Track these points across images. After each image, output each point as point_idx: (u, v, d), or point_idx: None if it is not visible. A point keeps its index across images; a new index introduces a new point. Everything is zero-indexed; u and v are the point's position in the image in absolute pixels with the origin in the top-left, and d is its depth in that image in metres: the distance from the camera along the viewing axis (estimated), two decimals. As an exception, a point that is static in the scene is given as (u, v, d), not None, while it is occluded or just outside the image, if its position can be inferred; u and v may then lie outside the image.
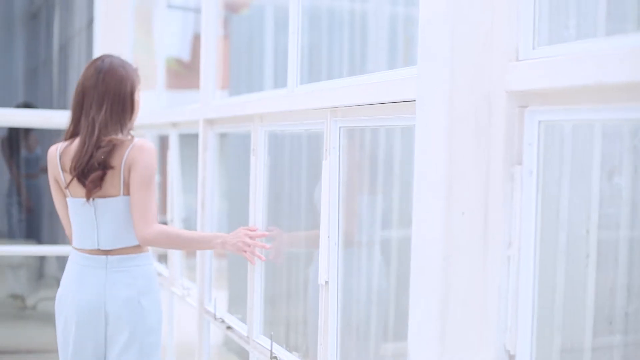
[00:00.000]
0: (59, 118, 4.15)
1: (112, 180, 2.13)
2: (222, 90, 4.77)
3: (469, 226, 1.20)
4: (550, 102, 1.10)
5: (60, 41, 5.10)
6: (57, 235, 5.04)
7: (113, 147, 2.11)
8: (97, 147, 2.11)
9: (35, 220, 5.51)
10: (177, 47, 8.36)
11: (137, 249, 2.19)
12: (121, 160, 2.11)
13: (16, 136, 5.27)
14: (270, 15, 4.74)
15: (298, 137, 3.98)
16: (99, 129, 2.12)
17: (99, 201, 2.15)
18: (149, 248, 2.27)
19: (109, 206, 2.15)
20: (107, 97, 2.15)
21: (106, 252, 2.17)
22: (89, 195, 2.14)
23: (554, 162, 2.05)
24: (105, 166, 2.11)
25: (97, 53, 3.85)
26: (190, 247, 2.27)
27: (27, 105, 5.35)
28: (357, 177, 3.04)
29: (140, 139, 2.16)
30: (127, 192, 2.13)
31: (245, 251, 2.10)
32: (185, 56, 8.47)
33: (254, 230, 2.14)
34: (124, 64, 2.23)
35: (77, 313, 2.17)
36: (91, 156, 2.11)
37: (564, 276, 2.05)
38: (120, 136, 2.13)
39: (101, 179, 2.12)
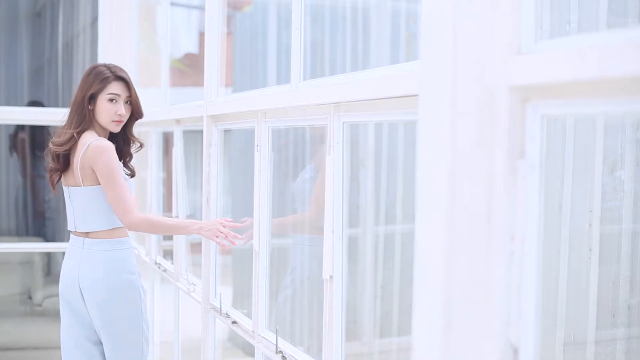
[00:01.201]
0: (64, 115, 4.17)
1: (73, 173, 2.46)
2: (225, 88, 4.78)
3: (472, 220, 1.21)
4: (553, 96, 1.11)
5: (64, 39, 5.11)
6: (64, 233, 5.06)
7: (61, 144, 2.44)
8: (54, 144, 2.47)
9: (42, 218, 5.51)
10: (185, 44, 8.37)
11: (110, 233, 2.48)
12: (78, 157, 2.41)
13: (30, 135, 5.24)
14: (273, 12, 4.74)
15: (302, 132, 3.99)
16: (59, 129, 2.51)
17: (71, 189, 2.49)
18: (128, 234, 2.54)
19: (77, 194, 2.47)
20: (71, 103, 2.54)
21: (85, 234, 2.49)
22: (50, 182, 2.53)
23: (557, 156, 2.06)
24: (53, 159, 2.48)
25: (101, 50, 3.85)
26: (170, 232, 2.58)
27: (35, 104, 5.33)
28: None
29: (97, 139, 2.42)
30: (88, 184, 2.43)
31: (217, 236, 2.35)
32: (194, 50, 8.48)
33: (229, 222, 2.40)
34: (88, 72, 2.52)
35: (60, 286, 2.55)
36: (48, 150, 2.49)
37: (567, 269, 2.06)
38: (67, 134, 2.44)
39: (53, 170, 2.49)
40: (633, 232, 2.01)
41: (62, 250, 4.97)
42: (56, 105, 5.24)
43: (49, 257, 5.51)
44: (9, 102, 5.78)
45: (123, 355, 2.46)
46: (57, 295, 4.98)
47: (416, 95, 1.32)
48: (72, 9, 4.76)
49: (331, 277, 1.88)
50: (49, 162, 2.50)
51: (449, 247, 1.22)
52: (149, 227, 2.46)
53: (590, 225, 2.03)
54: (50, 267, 5.53)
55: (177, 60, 8.38)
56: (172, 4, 4.32)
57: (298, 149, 3.98)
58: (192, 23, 8.51)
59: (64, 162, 2.46)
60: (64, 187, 2.53)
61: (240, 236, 2.39)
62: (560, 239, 2.05)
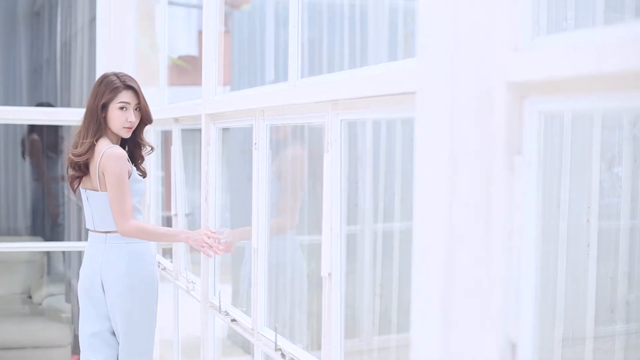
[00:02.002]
0: (63, 115, 4.16)
1: (91, 178, 2.62)
2: (223, 87, 4.77)
3: (471, 217, 1.21)
4: (550, 92, 1.11)
5: (63, 38, 5.09)
6: (64, 232, 5.05)
7: (81, 154, 2.60)
8: (74, 154, 2.64)
9: (43, 218, 5.48)
10: (185, 44, 8.35)
11: None
12: (96, 165, 2.58)
13: (45, 137, 5.20)
14: (270, 10, 4.74)
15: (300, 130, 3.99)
16: (76, 138, 2.67)
17: (89, 192, 2.66)
18: None
19: (95, 197, 2.64)
20: (85, 111, 2.69)
21: (106, 232, 2.65)
22: (71, 188, 2.70)
23: (555, 153, 2.06)
24: (74, 168, 2.64)
25: (99, 50, 3.85)
26: (160, 239, 2.74)
27: (43, 105, 5.26)
28: (300, 172, 3.37)
29: (110, 147, 2.59)
30: (104, 189, 2.60)
31: (203, 247, 2.57)
32: (194, 52, 8.47)
33: (213, 232, 2.61)
34: (99, 82, 2.66)
35: (81, 278, 2.69)
36: (68, 159, 2.67)
37: (565, 265, 2.06)
38: (86, 144, 2.59)
39: (74, 177, 2.65)
40: (631, 228, 2.02)
41: (62, 250, 4.97)
42: (55, 105, 5.22)
43: (49, 256, 5.50)
44: (7, 102, 5.77)
45: (136, 344, 2.63)
46: (57, 294, 4.97)
47: (414, 93, 1.32)
48: (70, 9, 4.75)
49: (330, 274, 1.89)
50: (69, 171, 2.66)
51: (447, 243, 1.22)
52: (141, 233, 2.59)
53: (588, 221, 2.03)
54: (50, 266, 5.53)
55: (178, 57, 8.37)
56: (170, 2, 4.31)
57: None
58: (192, 22, 8.50)
59: (85, 169, 2.62)
60: (81, 189, 2.68)
61: (221, 247, 2.59)
62: (558, 235, 2.06)
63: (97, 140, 2.60)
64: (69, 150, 2.70)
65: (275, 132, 3.46)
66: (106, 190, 2.58)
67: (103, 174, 2.56)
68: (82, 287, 2.68)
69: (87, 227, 2.71)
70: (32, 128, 5.24)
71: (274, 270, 3.35)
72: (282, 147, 3.46)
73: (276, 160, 3.53)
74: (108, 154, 2.55)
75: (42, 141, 5.16)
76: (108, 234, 2.63)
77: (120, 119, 2.60)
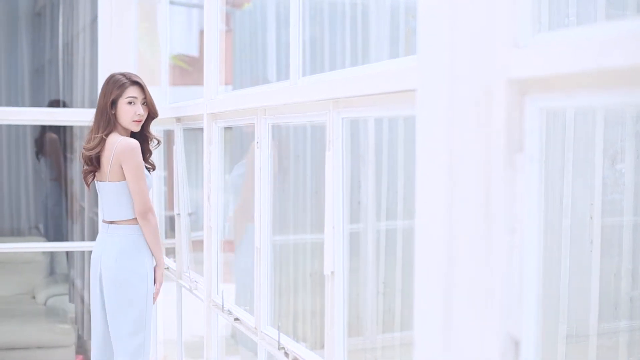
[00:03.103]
0: (66, 116, 4.16)
1: (103, 169, 2.78)
2: (225, 86, 4.77)
3: (471, 214, 1.21)
4: (551, 89, 1.11)
5: (64, 39, 5.10)
6: (66, 232, 5.06)
7: (93, 148, 2.77)
8: (86, 149, 2.80)
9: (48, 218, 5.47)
10: (185, 44, 8.36)
11: (128, 221, 2.80)
12: (110, 156, 2.73)
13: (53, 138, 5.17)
14: (272, 9, 4.73)
15: (303, 129, 3.99)
16: (88, 135, 2.83)
17: (99, 184, 2.84)
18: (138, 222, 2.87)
19: (104, 188, 2.81)
20: (96, 108, 2.86)
21: (110, 222, 2.82)
22: (85, 182, 2.88)
23: (557, 149, 2.05)
24: (87, 163, 2.80)
25: (101, 50, 3.86)
26: (154, 245, 2.82)
27: (55, 103, 5.23)
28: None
29: (124, 138, 2.75)
30: (113, 179, 2.75)
31: (158, 290, 2.83)
32: (194, 52, 8.48)
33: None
34: (107, 81, 2.83)
35: (90, 270, 2.88)
36: (81, 155, 2.83)
37: (569, 262, 2.05)
38: (97, 139, 2.76)
39: (87, 172, 2.81)
40: (634, 225, 2.01)
41: (66, 250, 4.97)
42: (57, 105, 5.22)
43: (52, 256, 5.51)
44: (10, 103, 5.77)
45: (119, 333, 2.74)
46: (60, 294, 4.98)
47: (415, 90, 1.32)
48: (72, 9, 4.75)
49: (332, 273, 1.88)
50: (83, 166, 2.83)
51: (448, 241, 1.22)
52: (153, 223, 2.76)
53: (591, 217, 2.02)
54: (53, 266, 5.53)
55: (180, 59, 8.38)
56: (172, 2, 4.31)
57: (237, 145, 4.12)
58: (192, 22, 8.50)
59: (97, 163, 2.79)
60: (96, 182, 2.86)
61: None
62: (561, 231, 2.05)
63: (107, 135, 2.75)
64: (82, 146, 2.86)
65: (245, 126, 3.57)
66: (114, 181, 2.74)
67: (120, 165, 2.71)
68: (91, 275, 2.86)
69: (100, 217, 2.90)
70: (48, 127, 5.22)
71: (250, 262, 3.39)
72: (252, 140, 3.52)
73: (248, 152, 3.67)
74: (124, 144, 2.71)
75: (60, 140, 5.14)
76: (111, 224, 2.80)
77: (130, 113, 2.77)
